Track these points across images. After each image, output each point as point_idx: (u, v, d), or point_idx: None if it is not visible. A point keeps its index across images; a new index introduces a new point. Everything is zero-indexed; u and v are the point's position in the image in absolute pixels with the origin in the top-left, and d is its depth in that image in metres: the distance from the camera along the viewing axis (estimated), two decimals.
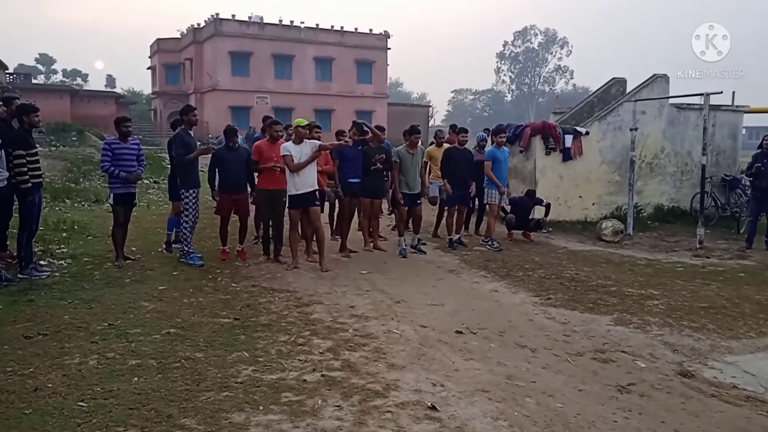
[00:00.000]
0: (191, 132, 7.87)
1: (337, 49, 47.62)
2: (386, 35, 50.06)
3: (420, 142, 9.48)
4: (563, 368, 4.80)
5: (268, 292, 6.60)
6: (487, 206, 10.11)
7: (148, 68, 55.77)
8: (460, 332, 5.54)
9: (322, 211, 9.06)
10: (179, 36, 51.69)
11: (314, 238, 8.06)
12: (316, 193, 7.85)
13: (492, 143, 10.24)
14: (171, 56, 51.10)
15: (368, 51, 49.07)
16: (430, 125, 50.51)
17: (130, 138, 7.70)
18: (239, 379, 4.26)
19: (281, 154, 7.57)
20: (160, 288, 6.60)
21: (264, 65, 45.35)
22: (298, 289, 6.80)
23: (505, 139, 10.02)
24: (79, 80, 79.70)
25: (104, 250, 8.20)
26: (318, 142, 7.74)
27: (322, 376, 4.37)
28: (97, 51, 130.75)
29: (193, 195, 7.66)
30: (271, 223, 8.25)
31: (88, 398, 3.86)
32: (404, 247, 8.89)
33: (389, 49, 50.31)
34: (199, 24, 47.82)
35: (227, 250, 8.22)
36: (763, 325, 6.02)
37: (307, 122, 7.93)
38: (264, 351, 4.82)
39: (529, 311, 6.35)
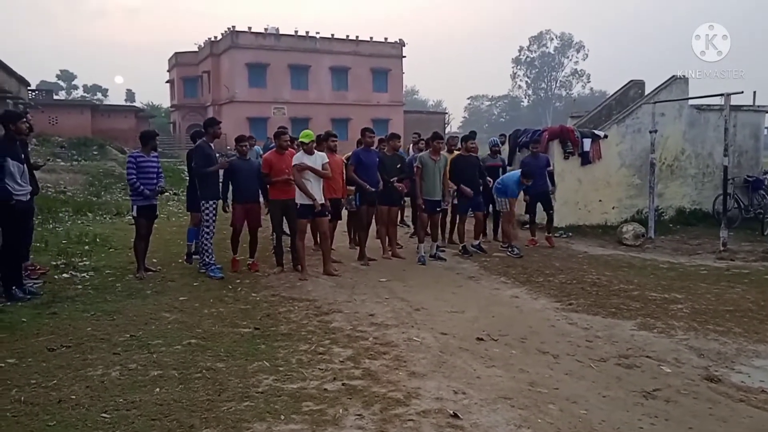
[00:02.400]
0: (212, 144, 7.93)
1: (352, 59, 47.85)
2: (401, 43, 50.18)
3: (445, 148, 9.52)
4: (586, 374, 4.73)
5: (288, 302, 6.61)
6: (501, 213, 10.03)
7: (167, 82, 56.50)
8: (481, 339, 5.49)
9: (340, 219, 9.07)
10: (197, 49, 52.32)
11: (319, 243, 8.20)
12: (325, 203, 7.88)
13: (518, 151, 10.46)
14: (189, 69, 51.72)
15: (383, 59, 49.22)
16: (446, 132, 50.44)
17: (152, 152, 7.82)
18: (260, 388, 4.26)
19: (295, 163, 7.61)
20: (180, 299, 6.64)
21: (280, 76, 45.70)
22: (318, 298, 6.80)
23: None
24: (99, 95, 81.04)
25: (126, 262, 8.28)
26: (325, 155, 7.92)
27: (342, 384, 4.35)
28: (116, 66, 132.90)
29: (213, 206, 7.71)
30: (288, 233, 8.28)
31: (111, 409, 3.88)
32: (423, 254, 8.86)
33: (404, 57, 50.44)
34: (216, 37, 48.39)
35: (237, 260, 8.22)
36: None
37: (312, 136, 7.88)
38: (284, 360, 4.82)
39: (551, 317, 6.29)
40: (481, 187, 9.66)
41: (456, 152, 9.96)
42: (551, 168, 10.49)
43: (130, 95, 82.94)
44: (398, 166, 9.03)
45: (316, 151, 7.84)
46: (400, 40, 50.32)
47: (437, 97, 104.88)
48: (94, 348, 5.05)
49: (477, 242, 9.70)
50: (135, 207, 7.66)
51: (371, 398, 4.12)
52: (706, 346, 5.39)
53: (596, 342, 5.48)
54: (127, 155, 9.16)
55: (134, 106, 56.84)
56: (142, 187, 7.50)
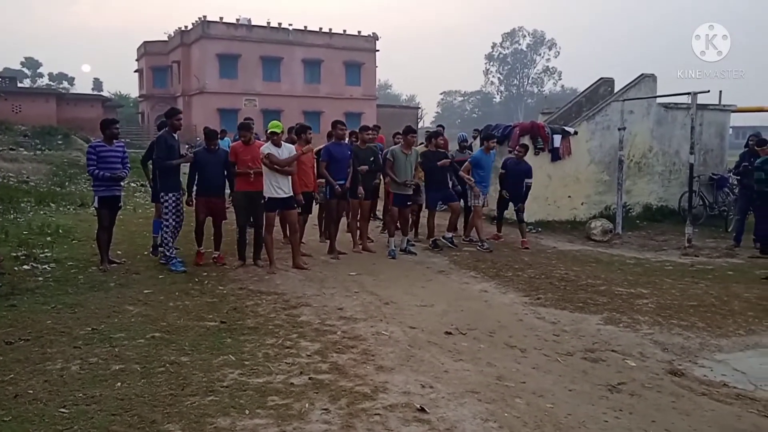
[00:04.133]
0: (175, 135, 7.76)
1: (325, 51, 47.51)
2: (375, 37, 50.01)
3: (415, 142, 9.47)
4: (553, 368, 4.76)
5: (255, 295, 6.53)
6: (473, 208, 10.03)
7: (135, 71, 55.41)
8: (450, 333, 5.49)
9: (311, 213, 8.99)
10: (166, 39, 51.39)
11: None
12: (293, 197, 7.80)
13: (481, 146, 10.16)
14: (158, 59, 50.78)
15: (357, 53, 48.98)
16: (419, 126, 50.51)
17: (115, 141, 7.62)
18: (225, 383, 4.19)
19: (264, 153, 7.47)
20: (145, 292, 6.51)
21: (252, 67, 45.16)
22: (286, 291, 6.73)
23: (494, 145, 9.84)
24: (65, 84, 79.01)
25: (89, 254, 8.09)
26: (293, 147, 7.81)
27: (309, 379, 4.30)
28: (83, 54, 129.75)
29: (173, 199, 7.58)
30: (252, 226, 8.20)
31: (70, 404, 3.78)
32: (393, 248, 8.84)
33: (378, 51, 50.29)
34: (186, 26, 47.58)
35: (202, 253, 8.06)
36: (752, 322, 6.02)
37: (282, 127, 7.83)
38: (251, 354, 4.75)
39: (519, 311, 6.32)
40: (451, 183, 9.68)
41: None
42: (530, 181, 10.19)
43: (97, 84, 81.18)
44: (371, 159, 8.96)
45: (283, 142, 7.75)
46: (373, 33, 50.15)
47: (410, 92, 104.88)
48: (53, 341, 4.91)
49: (450, 235, 9.70)
50: (96, 198, 7.48)
51: (338, 392, 4.09)
52: (670, 340, 5.47)
53: (563, 336, 5.52)
54: (88, 145, 8.94)
55: (101, 95, 55.57)
56: (102, 172, 7.33)
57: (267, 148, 7.52)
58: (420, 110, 65.84)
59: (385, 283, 7.24)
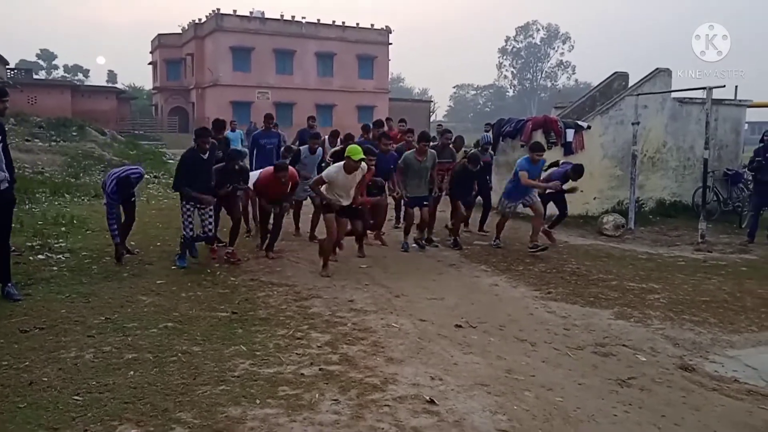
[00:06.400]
0: (204, 155, 7.26)
1: (338, 44, 47.50)
2: (387, 30, 49.91)
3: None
4: (563, 362, 4.76)
5: (267, 286, 6.57)
6: (503, 212, 9.31)
7: (150, 63, 55.73)
8: (460, 326, 5.50)
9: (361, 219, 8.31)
10: (180, 31, 51.63)
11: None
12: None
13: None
14: (172, 51, 51.02)
15: (369, 46, 48.93)
16: (431, 120, 50.41)
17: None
18: (236, 372, 4.23)
19: (324, 175, 7.23)
20: (158, 282, 6.57)
21: (265, 60, 45.28)
22: (297, 283, 6.76)
23: (541, 157, 8.88)
24: (80, 76, 79.64)
25: (103, 244, 8.16)
26: (365, 167, 7.26)
27: (319, 369, 4.33)
28: (98, 47, 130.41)
29: (187, 207, 7.32)
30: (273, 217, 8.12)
31: (84, 392, 3.83)
32: (407, 242, 8.83)
33: (390, 44, 50.21)
34: (200, 19, 47.74)
35: (215, 248, 7.95)
36: (765, 319, 5.98)
37: (361, 153, 7.01)
38: (262, 345, 4.79)
39: (530, 305, 6.31)
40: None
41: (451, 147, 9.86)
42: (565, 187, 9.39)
43: (111, 76, 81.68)
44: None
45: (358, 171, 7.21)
46: (386, 26, 50.08)
47: (423, 86, 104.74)
48: (67, 330, 4.97)
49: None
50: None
51: (348, 383, 4.11)
52: (681, 335, 5.45)
53: (573, 330, 5.52)
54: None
55: (115, 88, 56.00)
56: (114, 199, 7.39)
57: (331, 174, 7.15)
58: (432, 104, 65.78)
59: (396, 276, 7.26)
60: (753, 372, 4.72)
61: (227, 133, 10.83)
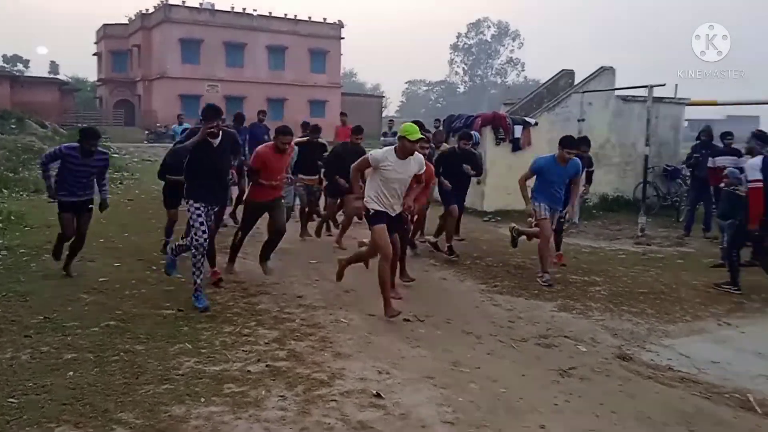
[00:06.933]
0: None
1: (290, 38, 46.99)
2: (340, 24, 49.65)
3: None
4: (507, 354, 4.88)
5: (214, 283, 6.47)
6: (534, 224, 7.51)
7: (94, 54, 53.93)
8: (408, 320, 5.55)
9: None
10: (127, 22, 50.13)
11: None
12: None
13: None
14: (118, 42, 49.52)
15: (322, 40, 48.60)
16: (383, 116, 50.48)
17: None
18: (181, 371, 4.17)
19: (371, 155, 5.70)
20: (100, 280, 6.40)
21: (215, 53, 44.41)
22: (245, 279, 6.69)
23: (573, 155, 7.17)
24: (20, 66, 76.43)
25: (43, 241, 7.88)
26: (421, 159, 5.85)
27: (266, 366, 4.32)
28: (39, 36, 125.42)
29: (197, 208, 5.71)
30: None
31: (19, 394, 3.71)
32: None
33: (343, 38, 49.97)
34: (147, 10, 46.48)
35: (218, 271, 6.59)
36: (699, 309, 6.25)
37: (419, 132, 5.59)
38: (208, 342, 4.73)
39: (476, 298, 6.43)
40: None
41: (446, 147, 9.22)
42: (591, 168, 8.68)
43: (53, 67, 78.55)
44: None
45: (414, 156, 5.70)
46: (339, 21, 49.79)
47: (375, 81, 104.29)
48: (3, 330, 4.80)
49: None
50: (57, 201, 6.48)
51: (295, 379, 4.11)
52: (620, 326, 5.64)
53: (518, 323, 5.65)
54: (62, 146, 6.67)
55: (58, 79, 53.93)
56: (52, 180, 6.40)
57: (382, 157, 5.59)
58: (384, 99, 65.85)
59: (346, 271, 7.24)
60: (686, 360, 4.93)
61: (173, 126, 10.76)
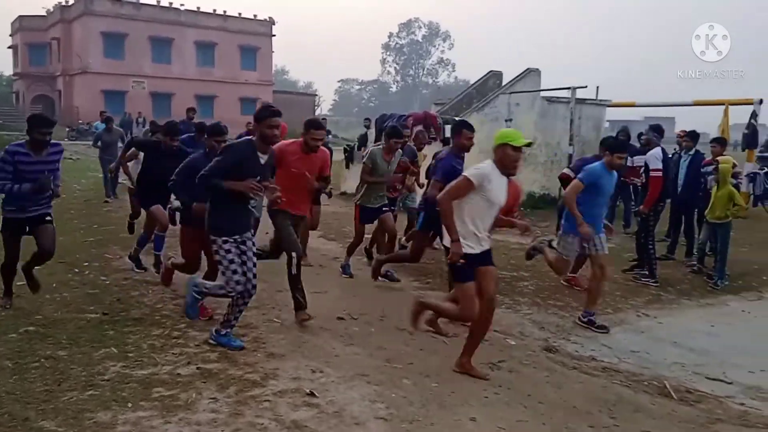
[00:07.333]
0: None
1: (219, 34, 46.03)
2: (271, 21, 49.05)
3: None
4: (439, 349, 4.97)
5: (142, 285, 6.29)
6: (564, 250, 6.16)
7: (9, 47, 51.10)
8: (342, 318, 5.58)
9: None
10: (45, 14, 47.73)
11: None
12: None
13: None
14: (35, 35, 47.05)
15: (252, 37, 47.87)
16: (316, 114, 50.26)
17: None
18: (106, 376, 4.03)
19: (472, 175, 4.36)
20: (18, 284, 6.06)
21: (140, 48, 42.93)
22: (175, 281, 6.51)
23: (623, 160, 6.22)
24: None
25: None
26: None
27: (197, 368, 4.23)
28: None
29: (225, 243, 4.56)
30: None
31: None
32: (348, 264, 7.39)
33: (274, 35, 49.40)
34: (67, 1, 44.40)
35: (209, 309, 5.39)
36: (619, 301, 6.58)
37: (523, 138, 4.43)
38: (135, 346, 4.59)
39: (409, 296, 6.50)
40: None
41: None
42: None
43: None
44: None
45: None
46: (269, 18, 49.17)
47: (308, 79, 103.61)
48: None
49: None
50: (1, 218, 5.42)
51: (227, 381, 4.05)
52: (546, 319, 5.86)
53: None
54: (4, 150, 5.37)
55: None
56: (16, 186, 5.03)
57: (482, 174, 4.36)
58: (317, 97, 65.53)
59: (279, 270, 7.16)
60: (608, 350, 5.19)
61: (96, 124, 10.35)
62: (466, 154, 6.31)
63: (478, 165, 4.44)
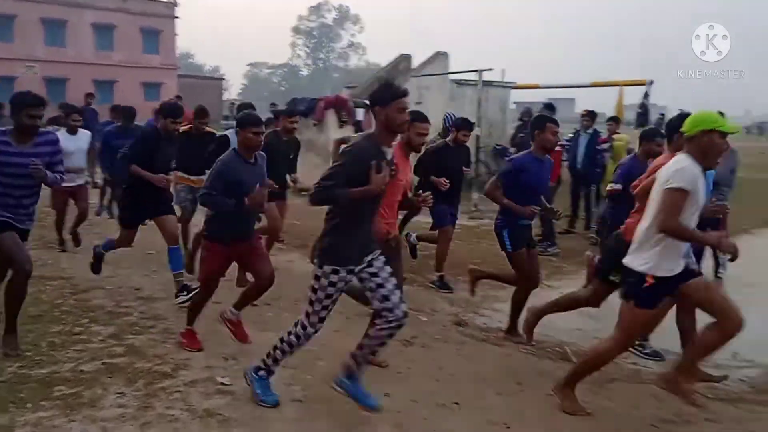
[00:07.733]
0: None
1: (118, 16, 43.70)
2: (174, 3, 47.13)
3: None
4: (354, 329, 4.98)
5: (38, 281, 5.88)
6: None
7: None
8: (255, 305, 5.48)
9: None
10: None
11: None
12: None
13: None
14: None
15: (154, 19, 45.80)
16: (224, 99, 48.96)
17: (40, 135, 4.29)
18: (2, 377, 3.83)
19: (684, 183, 3.37)
20: None
21: (31, 30, 40.11)
22: (75, 275, 6.23)
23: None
24: None
25: None
26: None
27: (102, 364, 4.09)
28: None
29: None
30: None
31: None
32: None
33: (177, 17, 47.49)
34: None
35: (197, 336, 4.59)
36: None
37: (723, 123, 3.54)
38: (33, 345, 4.37)
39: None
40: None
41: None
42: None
43: None
44: (291, 156, 6.74)
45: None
46: None
47: (215, 63, 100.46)
48: None
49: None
50: None
51: (135, 374, 3.95)
52: (456, 295, 6.04)
53: None
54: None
55: None
56: None
57: (692, 172, 3.43)
58: (224, 82, 63.80)
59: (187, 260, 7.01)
60: None
61: None
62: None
63: (675, 166, 3.46)
